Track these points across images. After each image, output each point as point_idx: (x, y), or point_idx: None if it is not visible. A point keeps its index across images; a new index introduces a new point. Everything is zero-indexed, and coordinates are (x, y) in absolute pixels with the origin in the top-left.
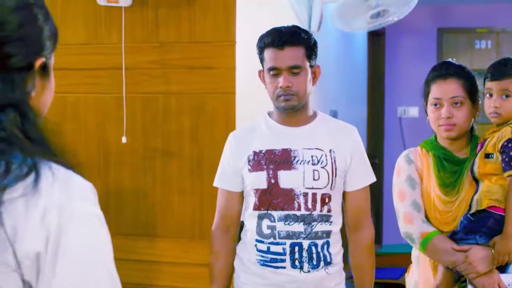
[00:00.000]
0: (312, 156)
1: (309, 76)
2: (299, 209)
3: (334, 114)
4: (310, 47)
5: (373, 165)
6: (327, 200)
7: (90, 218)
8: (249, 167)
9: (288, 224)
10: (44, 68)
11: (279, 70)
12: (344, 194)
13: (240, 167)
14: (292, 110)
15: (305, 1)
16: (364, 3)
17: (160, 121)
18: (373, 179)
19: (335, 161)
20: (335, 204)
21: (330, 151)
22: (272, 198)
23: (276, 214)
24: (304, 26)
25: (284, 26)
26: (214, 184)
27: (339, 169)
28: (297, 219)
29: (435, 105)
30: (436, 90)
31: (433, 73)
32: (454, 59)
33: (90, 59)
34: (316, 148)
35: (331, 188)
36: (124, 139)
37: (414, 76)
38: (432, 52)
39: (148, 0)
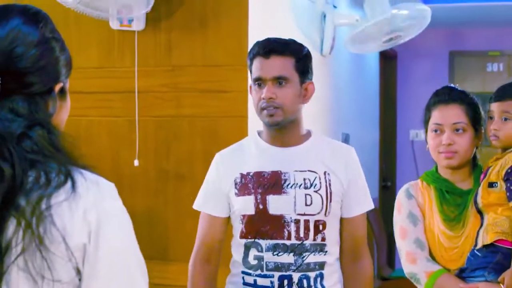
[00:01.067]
0: (304, 179)
1: (298, 90)
2: (289, 238)
3: (346, 137)
4: (300, 59)
5: (386, 187)
6: (321, 227)
7: (119, 213)
8: (236, 191)
9: (277, 254)
10: (61, 90)
11: (264, 81)
12: (340, 220)
13: (227, 190)
14: (278, 127)
15: (316, 25)
16: (380, 31)
17: (172, 144)
18: (371, 205)
19: (330, 184)
20: (331, 232)
21: (325, 173)
22: (260, 226)
23: (264, 243)
24: (316, 50)
25: (277, 37)
26: (195, 206)
27: (334, 193)
28: (286, 249)
29: (436, 131)
30: (437, 115)
31: (435, 98)
32: (458, 85)
33: (103, 82)
34: (309, 171)
35: (325, 214)
36: (136, 162)
37: (426, 99)
38: (444, 75)
39: (161, 24)
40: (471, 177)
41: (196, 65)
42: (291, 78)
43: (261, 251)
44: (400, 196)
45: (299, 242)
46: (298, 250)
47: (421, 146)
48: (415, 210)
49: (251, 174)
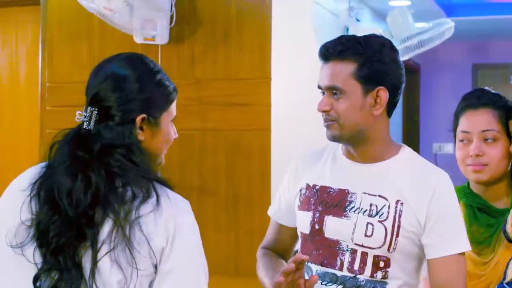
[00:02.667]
0: (371, 205)
1: (360, 101)
2: (341, 268)
3: None
4: (366, 63)
5: None
6: (381, 264)
7: (191, 225)
8: (299, 203)
9: (325, 284)
10: (150, 120)
11: (322, 90)
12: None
13: (293, 200)
14: (338, 142)
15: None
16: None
17: (196, 157)
18: (463, 247)
19: (400, 216)
20: (398, 271)
21: (397, 202)
22: (313, 248)
23: (314, 268)
24: None
25: (349, 35)
26: (268, 212)
27: (404, 228)
28: (336, 280)
29: (463, 140)
30: (465, 122)
31: (463, 103)
32: (492, 87)
33: None
34: (379, 196)
35: (389, 250)
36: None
37: (449, 112)
38: (467, 88)
39: (184, 38)
40: (508, 194)
41: (220, 78)
42: (346, 88)
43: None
44: None
45: (351, 275)
46: (349, 284)
47: (444, 160)
48: None
49: (317, 187)
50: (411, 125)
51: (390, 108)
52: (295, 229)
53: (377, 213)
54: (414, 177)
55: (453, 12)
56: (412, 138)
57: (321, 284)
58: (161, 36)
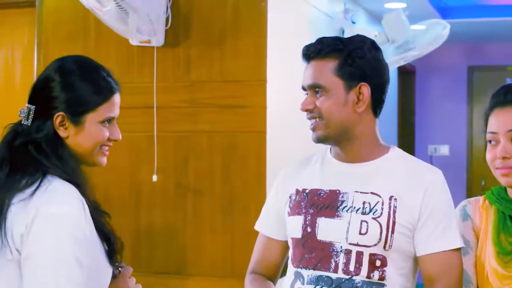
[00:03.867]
0: (364, 203)
1: (342, 98)
2: (335, 270)
3: None
4: (347, 59)
5: None
6: (378, 263)
7: (54, 216)
8: (289, 209)
9: None
10: (75, 119)
11: (305, 90)
12: (418, 260)
13: (282, 208)
14: (325, 143)
15: None
16: (397, 50)
17: (191, 159)
18: (455, 244)
19: (394, 212)
20: (395, 272)
21: (391, 198)
22: (305, 252)
23: (306, 274)
24: None
25: (333, 36)
26: (255, 227)
27: (399, 224)
28: (331, 283)
29: (490, 141)
30: (492, 122)
31: (491, 101)
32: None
33: (121, 98)
34: (371, 193)
35: (385, 247)
36: (155, 178)
37: (445, 114)
38: (462, 90)
39: (180, 40)
40: None
41: (215, 80)
42: (328, 86)
43: (303, 283)
44: (455, 215)
45: (347, 277)
46: (345, 287)
47: (440, 162)
48: (468, 235)
49: (307, 191)
50: (407, 127)
51: (375, 106)
52: (285, 243)
53: (370, 210)
54: (407, 173)
55: (448, 14)
56: (407, 140)
57: None
58: (157, 39)
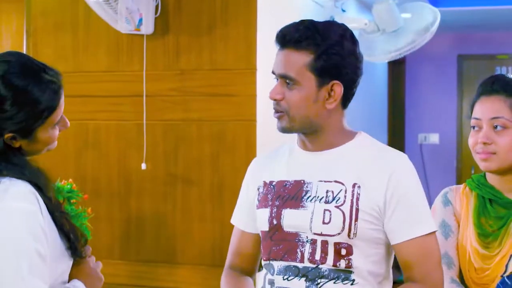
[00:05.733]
0: (327, 192)
1: (313, 94)
2: (301, 260)
3: None
4: (323, 54)
5: None
6: (343, 252)
7: (7, 210)
8: (257, 202)
9: (287, 279)
10: (26, 135)
11: (276, 77)
12: (393, 248)
13: (252, 201)
14: (289, 133)
15: None
16: (389, 42)
17: (180, 148)
18: (429, 228)
19: (357, 199)
20: (363, 260)
21: (354, 185)
22: (273, 245)
23: (276, 265)
24: None
25: (308, 20)
26: (231, 220)
27: (362, 211)
28: (298, 272)
29: (473, 127)
30: (477, 109)
31: (479, 89)
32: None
33: (111, 86)
34: (335, 181)
35: (349, 236)
36: (144, 166)
37: (435, 102)
38: (452, 79)
39: (170, 28)
40: None
41: (205, 69)
42: (300, 79)
43: (273, 274)
44: (437, 202)
45: (313, 266)
46: (311, 275)
47: (429, 150)
48: (449, 220)
49: (274, 183)
50: (397, 116)
51: (345, 100)
52: (258, 235)
53: (333, 199)
54: (370, 159)
55: (438, 2)
56: (397, 129)
57: (283, 279)
58: (146, 27)
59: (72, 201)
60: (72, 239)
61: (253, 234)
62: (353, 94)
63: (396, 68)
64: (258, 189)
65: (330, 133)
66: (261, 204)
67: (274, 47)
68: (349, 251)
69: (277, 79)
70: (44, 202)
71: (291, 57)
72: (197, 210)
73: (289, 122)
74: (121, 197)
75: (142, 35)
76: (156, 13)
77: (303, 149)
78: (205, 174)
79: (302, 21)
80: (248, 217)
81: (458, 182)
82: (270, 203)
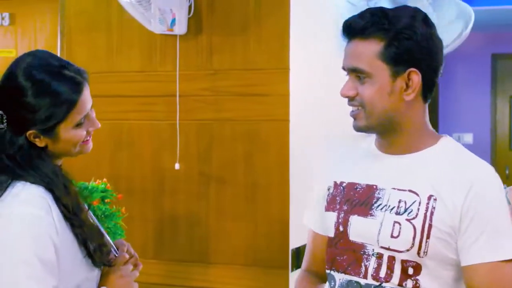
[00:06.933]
0: (399, 201)
1: (388, 86)
2: (365, 276)
3: None
4: (394, 40)
5: None
6: (411, 271)
7: (7, 218)
8: (326, 204)
9: None
10: (48, 133)
11: (347, 71)
12: (463, 271)
13: (321, 201)
14: (366, 132)
15: None
16: None
17: (213, 147)
18: (505, 254)
19: (432, 214)
20: (432, 282)
21: (430, 198)
22: (337, 253)
23: (338, 277)
24: None
25: (376, 7)
26: (304, 220)
27: (436, 228)
28: None
29: None
30: None
31: None
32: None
33: (144, 86)
34: (409, 190)
35: (419, 254)
36: (177, 166)
37: (468, 102)
38: (486, 78)
39: (203, 28)
40: None
41: (238, 68)
42: (372, 71)
43: (334, 287)
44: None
45: (376, 284)
46: None
47: None
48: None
49: (344, 184)
50: (430, 115)
51: (426, 92)
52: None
53: (405, 211)
54: (450, 169)
55: (471, 1)
56: None
57: None
58: (179, 27)
59: (106, 200)
60: (91, 247)
61: (324, 237)
62: (434, 84)
63: None
64: (328, 189)
65: (411, 133)
66: (329, 207)
67: (306, 46)
68: (417, 271)
69: (348, 75)
70: (60, 209)
71: (359, 47)
72: (230, 209)
73: (365, 119)
74: (155, 196)
75: (175, 35)
76: (189, 13)
77: (379, 150)
78: (238, 174)
79: (368, 9)
80: (320, 218)
81: None
82: (338, 206)
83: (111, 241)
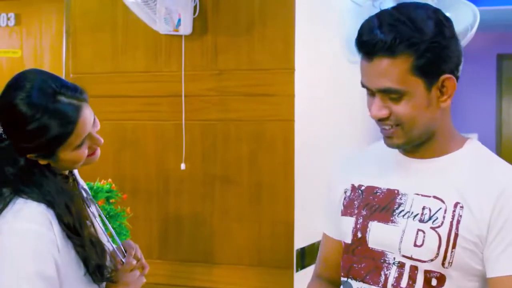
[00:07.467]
0: (423, 208)
1: (424, 99)
2: (384, 285)
3: None
4: (424, 52)
5: None
6: (434, 282)
7: (10, 232)
8: (342, 208)
9: None
10: (47, 156)
11: (371, 91)
12: (488, 282)
13: (337, 205)
14: (404, 148)
15: None
16: None
17: (219, 148)
18: None
19: (458, 222)
20: None
21: (456, 205)
22: (354, 261)
23: (355, 286)
24: None
25: (389, 11)
26: (320, 226)
27: (462, 237)
28: None
29: None
30: None
31: None
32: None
33: (149, 86)
34: (433, 197)
35: (443, 264)
36: (183, 166)
37: (473, 102)
38: (491, 79)
39: (208, 29)
40: None
41: (243, 69)
42: (406, 88)
43: None
44: None
45: None
46: None
47: None
48: None
49: (362, 188)
50: None
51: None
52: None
53: (430, 218)
54: (478, 174)
55: (477, 2)
56: None
57: None
58: (185, 27)
59: (111, 200)
60: (89, 265)
61: (340, 241)
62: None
63: None
64: (345, 192)
65: (441, 137)
66: (345, 211)
67: (312, 47)
68: (441, 282)
69: (372, 94)
70: (61, 227)
71: (387, 66)
72: (235, 209)
73: (404, 137)
74: (160, 196)
75: (180, 36)
76: (194, 13)
77: (401, 153)
78: (243, 174)
79: (382, 21)
80: (334, 222)
81: None
82: (356, 211)
83: (119, 242)
